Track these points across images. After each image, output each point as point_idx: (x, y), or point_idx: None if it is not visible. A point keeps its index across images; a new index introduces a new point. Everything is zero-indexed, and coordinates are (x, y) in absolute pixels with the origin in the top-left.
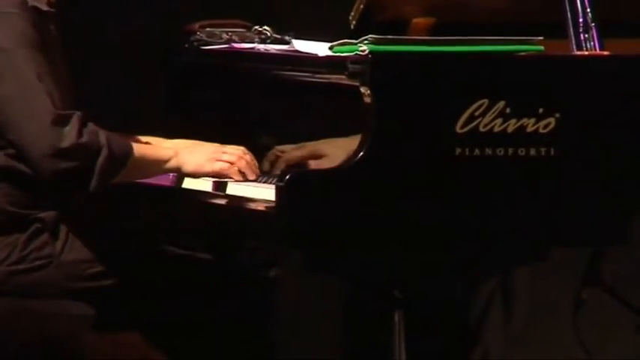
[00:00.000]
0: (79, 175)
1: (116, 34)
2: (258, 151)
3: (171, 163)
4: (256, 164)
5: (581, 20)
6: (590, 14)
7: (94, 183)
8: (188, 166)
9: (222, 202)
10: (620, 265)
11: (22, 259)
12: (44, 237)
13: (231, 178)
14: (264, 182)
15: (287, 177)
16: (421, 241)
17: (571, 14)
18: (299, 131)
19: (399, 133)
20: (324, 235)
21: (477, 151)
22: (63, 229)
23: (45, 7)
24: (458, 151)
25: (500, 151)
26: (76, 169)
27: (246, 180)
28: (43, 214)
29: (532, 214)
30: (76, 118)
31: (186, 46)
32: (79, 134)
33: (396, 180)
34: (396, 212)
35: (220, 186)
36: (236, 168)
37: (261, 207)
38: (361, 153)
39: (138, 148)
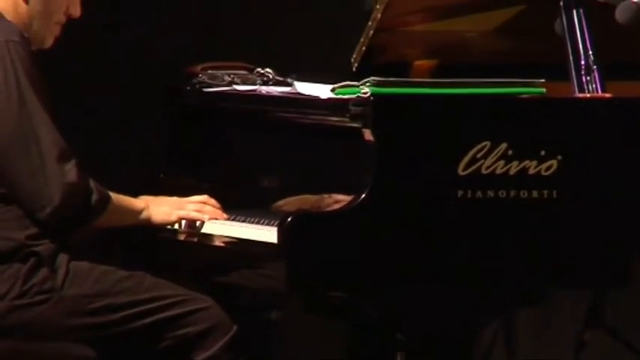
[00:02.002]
0: (74, 215)
1: (117, 75)
2: (260, 194)
3: (143, 214)
4: (219, 207)
5: (582, 63)
6: (591, 57)
7: (86, 222)
8: (157, 216)
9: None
10: (621, 306)
11: (23, 294)
12: (44, 271)
13: (193, 218)
14: (263, 224)
15: (289, 219)
16: (423, 284)
17: (573, 56)
18: (301, 173)
19: (400, 176)
20: (326, 277)
21: (479, 194)
22: (63, 263)
23: (32, 47)
24: (460, 193)
25: (502, 194)
26: (72, 208)
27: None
28: (38, 248)
29: (534, 256)
30: (75, 157)
31: (189, 88)
32: (79, 173)
33: (398, 222)
34: (398, 255)
35: (193, 226)
36: (198, 214)
37: (219, 243)
38: (363, 195)
39: (114, 195)
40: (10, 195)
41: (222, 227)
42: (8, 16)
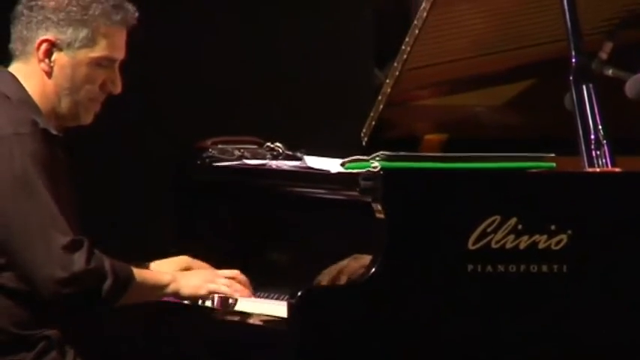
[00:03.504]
0: (83, 300)
1: (128, 149)
2: (268, 267)
3: (170, 288)
4: (248, 284)
5: (592, 137)
6: (601, 131)
7: (97, 308)
8: (185, 289)
9: (228, 317)
10: None
11: None
12: (53, 354)
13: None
14: (273, 298)
15: (299, 294)
16: (434, 358)
17: (582, 131)
18: (311, 247)
19: (411, 250)
20: (337, 352)
21: (489, 268)
22: (73, 347)
23: (54, 131)
24: (470, 267)
25: (512, 268)
26: (81, 295)
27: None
28: (49, 332)
29: (544, 331)
30: (87, 244)
31: (199, 162)
32: (88, 261)
33: (409, 296)
34: (409, 329)
35: (226, 302)
36: (229, 290)
37: (259, 322)
38: (373, 269)
39: (138, 273)
40: (17, 287)
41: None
42: (35, 95)
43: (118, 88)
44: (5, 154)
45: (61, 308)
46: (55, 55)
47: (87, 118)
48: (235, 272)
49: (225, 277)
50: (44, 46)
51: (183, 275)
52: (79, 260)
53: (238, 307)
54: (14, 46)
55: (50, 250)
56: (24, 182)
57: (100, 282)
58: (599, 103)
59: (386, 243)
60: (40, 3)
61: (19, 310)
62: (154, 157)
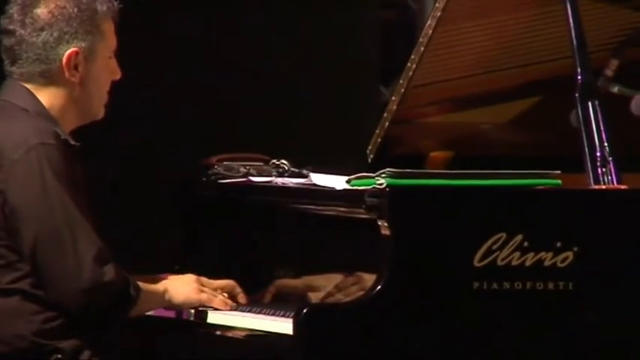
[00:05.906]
0: (112, 310)
1: (133, 165)
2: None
3: (165, 297)
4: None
5: (598, 154)
6: (607, 148)
7: (121, 317)
8: (178, 298)
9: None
10: None
11: None
12: None
13: (215, 307)
14: (247, 311)
15: (304, 310)
16: None
17: (588, 148)
18: (316, 265)
19: (416, 267)
20: None
21: (494, 285)
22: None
23: (72, 141)
24: (476, 285)
25: (518, 285)
26: (111, 304)
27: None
28: (62, 344)
29: (550, 349)
30: (110, 253)
31: (204, 179)
32: (118, 270)
33: (414, 314)
34: (415, 346)
35: (201, 314)
36: (219, 298)
37: (240, 335)
38: (379, 286)
39: (140, 284)
40: (31, 292)
41: (236, 318)
42: (57, 106)
43: (119, 74)
44: (34, 164)
45: (87, 320)
46: (82, 64)
47: (102, 112)
48: (225, 282)
49: (211, 289)
50: (72, 59)
51: (172, 285)
52: (109, 270)
53: (219, 321)
54: (27, 69)
55: (81, 261)
56: (54, 194)
57: (127, 289)
58: (605, 120)
59: (391, 260)
60: (47, 21)
61: (40, 317)
62: (160, 174)
